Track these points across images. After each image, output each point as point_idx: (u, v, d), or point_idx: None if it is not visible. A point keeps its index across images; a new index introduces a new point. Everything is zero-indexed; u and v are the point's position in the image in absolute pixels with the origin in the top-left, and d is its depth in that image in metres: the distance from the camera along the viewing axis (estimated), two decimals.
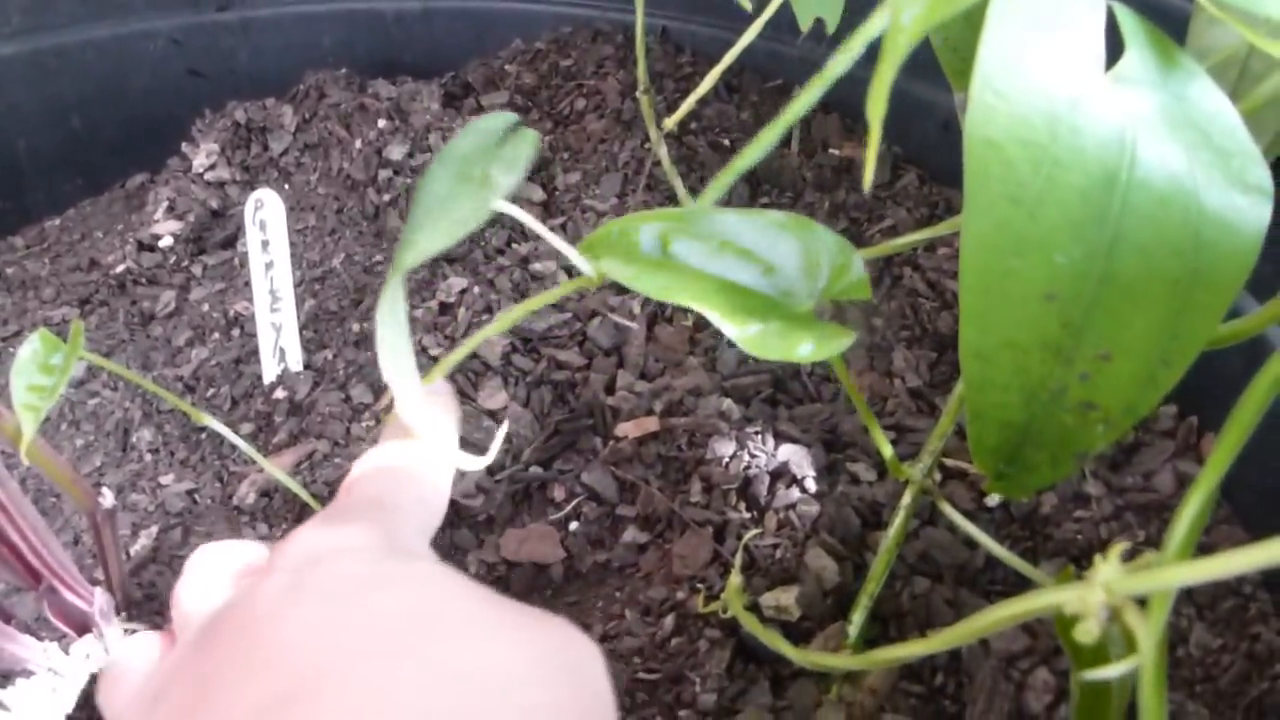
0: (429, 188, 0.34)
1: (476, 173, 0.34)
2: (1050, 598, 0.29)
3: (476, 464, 0.34)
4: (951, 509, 0.47)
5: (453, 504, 0.60)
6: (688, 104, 0.62)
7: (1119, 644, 0.42)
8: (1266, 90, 0.43)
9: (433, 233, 0.31)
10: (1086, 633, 0.27)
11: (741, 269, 0.44)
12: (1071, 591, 0.28)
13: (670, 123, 0.62)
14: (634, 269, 0.40)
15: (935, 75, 0.46)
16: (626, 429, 0.59)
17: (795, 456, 0.55)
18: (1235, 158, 0.34)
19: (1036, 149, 0.33)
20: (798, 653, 0.38)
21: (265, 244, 0.68)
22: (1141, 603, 0.28)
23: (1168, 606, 0.31)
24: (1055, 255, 0.34)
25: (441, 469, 0.32)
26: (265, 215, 0.68)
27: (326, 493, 0.60)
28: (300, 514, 0.60)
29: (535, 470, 0.60)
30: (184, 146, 0.94)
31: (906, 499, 0.49)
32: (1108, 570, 0.28)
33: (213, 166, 0.91)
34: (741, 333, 0.42)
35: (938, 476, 0.56)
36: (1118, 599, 0.27)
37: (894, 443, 0.58)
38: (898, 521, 0.49)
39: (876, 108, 0.32)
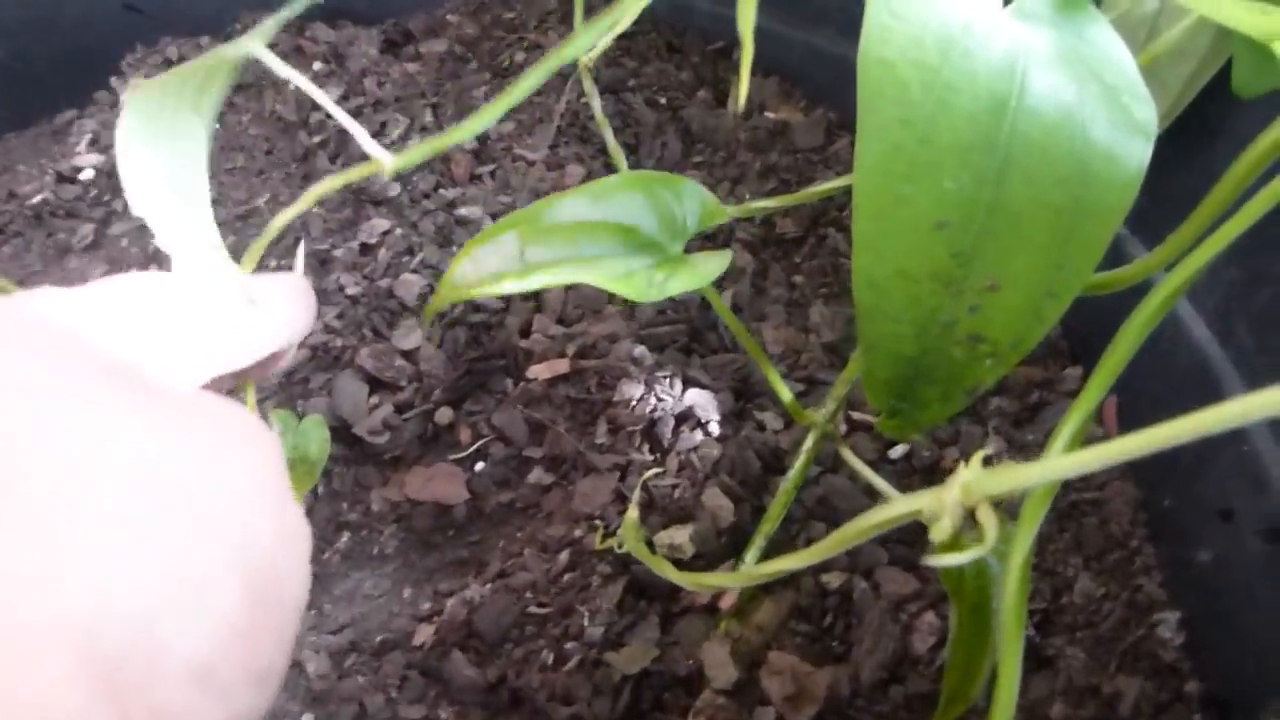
0: None
1: None
2: (912, 503, 0.29)
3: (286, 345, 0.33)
4: (851, 454, 0.48)
5: (358, 441, 0.59)
6: (609, 37, 0.61)
7: (1000, 584, 0.42)
8: (1166, 41, 0.44)
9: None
10: (941, 531, 0.27)
11: (601, 242, 0.44)
12: (930, 494, 0.29)
13: (588, 59, 0.62)
14: (504, 282, 0.41)
15: None
16: (538, 370, 0.58)
17: (701, 401, 0.54)
18: (1124, 95, 0.34)
19: (929, 71, 0.33)
20: (684, 576, 0.38)
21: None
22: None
23: (1040, 513, 0.31)
24: (945, 181, 0.34)
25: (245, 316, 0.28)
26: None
27: None
28: None
29: (444, 410, 0.59)
30: (112, 80, 0.92)
31: (808, 443, 0.49)
32: (968, 473, 0.28)
33: None
34: (609, 281, 0.42)
35: (843, 427, 0.56)
36: (974, 499, 0.28)
37: (804, 394, 0.58)
38: (798, 464, 0.49)
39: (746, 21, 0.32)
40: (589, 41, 0.40)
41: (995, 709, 0.30)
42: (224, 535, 0.19)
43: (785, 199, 0.54)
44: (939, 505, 0.29)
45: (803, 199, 0.54)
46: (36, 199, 0.80)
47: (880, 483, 0.46)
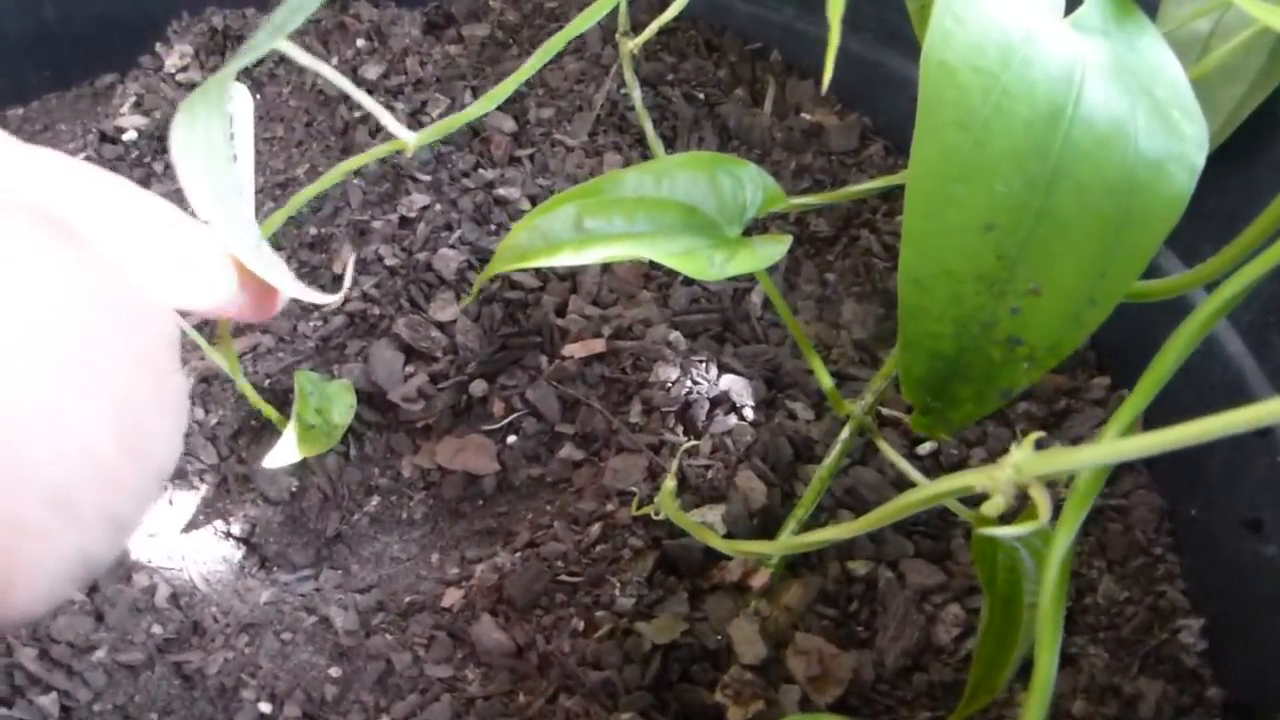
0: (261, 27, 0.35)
1: None
2: (964, 480, 0.30)
3: (317, 297, 0.34)
4: (887, 446, 0.48)
5: (392, 407, 0.60)
6: (655, 25, 0.62)
7: (1031, 578, 0.43)
8: (1217, 59, 0.45)
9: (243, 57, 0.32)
10: (995, 506, 0.28)
11: (661, 219, 0.45)
12: (983, 472, 0.29)
13: (634, 45, 0.63)
14: (560, 253, 0.41)
15: (908, 48, 0.47)
16: (573, 349, 0.59)
17: (736, 387, 0.55)
18: (1174, 109, 0.35)
19: (988, 76, 0.34)
20: (724, 543, 0.38)
21: (230, 137, 0.67)
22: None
23: (1085, 505, 0.32)
24: (997, 184, 0.35)
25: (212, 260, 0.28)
26: (233, 109, 0.67)
27: (266, 383, 0.60)
28: (237, 402, 0.59)
29: (479, 383, 0.60)
30: (157, 46, 0.93)
31: (845, 433, 0.50)
32: (1020, 453, 0.29)
33: (185, 68, 0.90)
34: (670, 257, 0.43)
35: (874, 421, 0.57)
36: (1026, 478, 0.28)
37: (834, 387, 0.59)
38: (835, 452, 0.49)
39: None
40: (606, 8, 0.41)
41: (1032, 697, 0.31)
42: (104, 385, 0.21)
43: (826, 196, 0.55)
44: (992, 482, 0.30)
45: (842, 197, 0.55)
46: (80, 157, 0.81)
47: (915, 474, 0.47)
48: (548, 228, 0.44)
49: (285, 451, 0.51)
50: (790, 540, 0.41)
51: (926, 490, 0.31)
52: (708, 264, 0.43)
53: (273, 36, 0.34)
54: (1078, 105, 0.34)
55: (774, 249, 0.42)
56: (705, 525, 0.49)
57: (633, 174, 0.45)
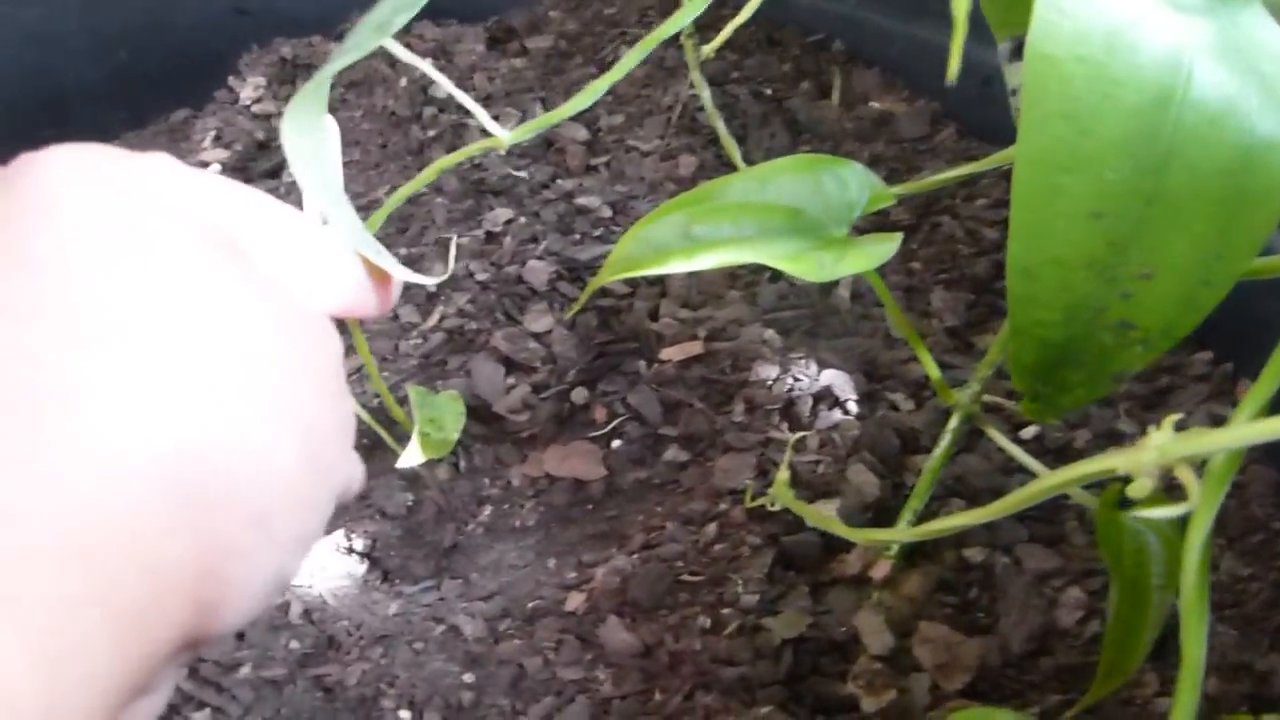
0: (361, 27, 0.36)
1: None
2: (1105, 462, 0.30)
3: (425, 280, 0.35)
4: (998, 434, 0.49)
5: (497, 419, 0.61)
6: (727, 30, 0.63)
7: (1159, 560, 0.43)
8: None
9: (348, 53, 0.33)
10: (1141, 488, 0.28)
11: (767, 223, 0.46)
12: (1125, 455, 0.30)
13: (709, 49, 0.63)
14: (670, 261, 0.42)
15: (978, 31, 0.47)
16: (670, 352, 0.60)
17: (837, 381, 0.56)
18: None
19: (1094, 65, 0.35)
20: (852, 531, 0.39)
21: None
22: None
23: (1223, 486, 0.32)
24: (1105, 172, 0.35)
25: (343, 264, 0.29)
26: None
27: (375, 403, 0.62)
28: None
29: (579, 390, 0.61)
30: (230, 80, 0.95)
31: (953, 422, 0.51)
32: (1161, 435, 0.29)
33: (259, 99, 0.92)
34: (780, 260, 0.44)
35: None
36: (1170, 460, 0.29)
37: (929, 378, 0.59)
38: (945, 442, 0.50)
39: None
40: (694, 12, 0.42)
41: (1182, 681, 0.31)
42: (294, 412, 0.22)
43: (915, 185, 0.55)
44: (1134, 465, 0.30)
45: (932, 185, 0.55)
46: None
47: (1029, 460, 0.47)
48: (656, 236, 0.45)
49: (413, 454, 0.53)
50: (918, 529, 0.41)
51: (1063, 475, 0.32)
52: (817, 266, 0.44)
53: (378, 34, 0.35)
54: (1187, 88, 0.34)
55: (883, 248, 0.43)
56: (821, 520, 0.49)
57: (738, 180, 0.46)
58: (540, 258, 0.69)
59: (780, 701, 0.43)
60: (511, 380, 0.62)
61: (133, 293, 0.20)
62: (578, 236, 0.71)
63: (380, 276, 0.31)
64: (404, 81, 0.89)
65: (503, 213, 0.73)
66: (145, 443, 0.19)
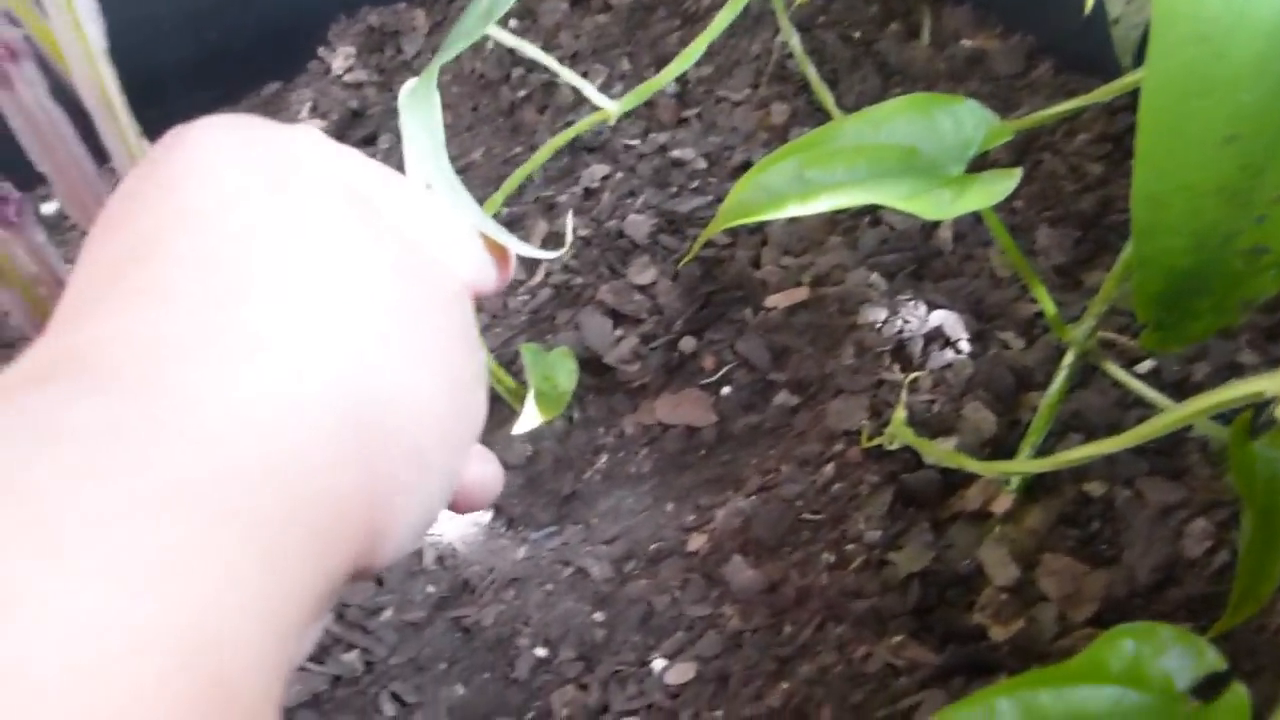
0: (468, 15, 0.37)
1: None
2: (1252, 386, 0.31)
3: (542, 254, 0.36)
4: (1115, 368, 0.49)
5: (608, 370, 0.63)
6: None
7: None
8: None
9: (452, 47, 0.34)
10: None
11: (882, 164, 0.46)
12: (1272, 378, 0.30)
13: None
14: (785, 206, 0.43)
15: None
16: (776, 299, 0.61)
17: (948, 321, 0.56)
18: None
19: None
20: (979, 463, 0.40)
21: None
22: None
23: None
24: (1240, 94, 0.35)
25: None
26: (404, 123, 0.71)
27: (491, 357, 0.64)
28: None
29: (687, 340, 0.63)
30: (320, 51, 0.98)
31: (1069, 358, 0.51)
32: None
33: (350, 69, 0.95)
34: (897, 200, 0.44)
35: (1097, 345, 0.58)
36: None
37: (1041, 315, 0.59)
38: (1061, 377, 0.50)
39: None
40: None
41: None
42: (441, 359, 0.24)
43: (1024, 120, 0.55)
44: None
45: (1040, 121, 0.55)
46: None
47: (1151, 393, 0.47)
48: (770, 182, 0.46)
49: (529, 418, 0.54)
50: (1043, 459, 0.42)
51: (1196, 404, 0.32)
52: (935, 204, 0.44)
53: (483, 21, 0.36)
54: None
55: (1002, 184, 0.43)
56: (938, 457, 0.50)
57: (851, 123, 0.46)
58: (639, 212, 0.70)
59: (911, 631, 0.44)
60: (620, 332, 0.64)
61: (295, 247, 0.22)
62: (675, 189, 0.71)
63: (499, 253, 0.33)
64: (490, 44, 0.90)
65: (599, 169, 0.74)
66: (320, 381, 0.20)
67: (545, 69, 0.86)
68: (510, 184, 0.56)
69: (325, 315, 0.21)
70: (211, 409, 0.18)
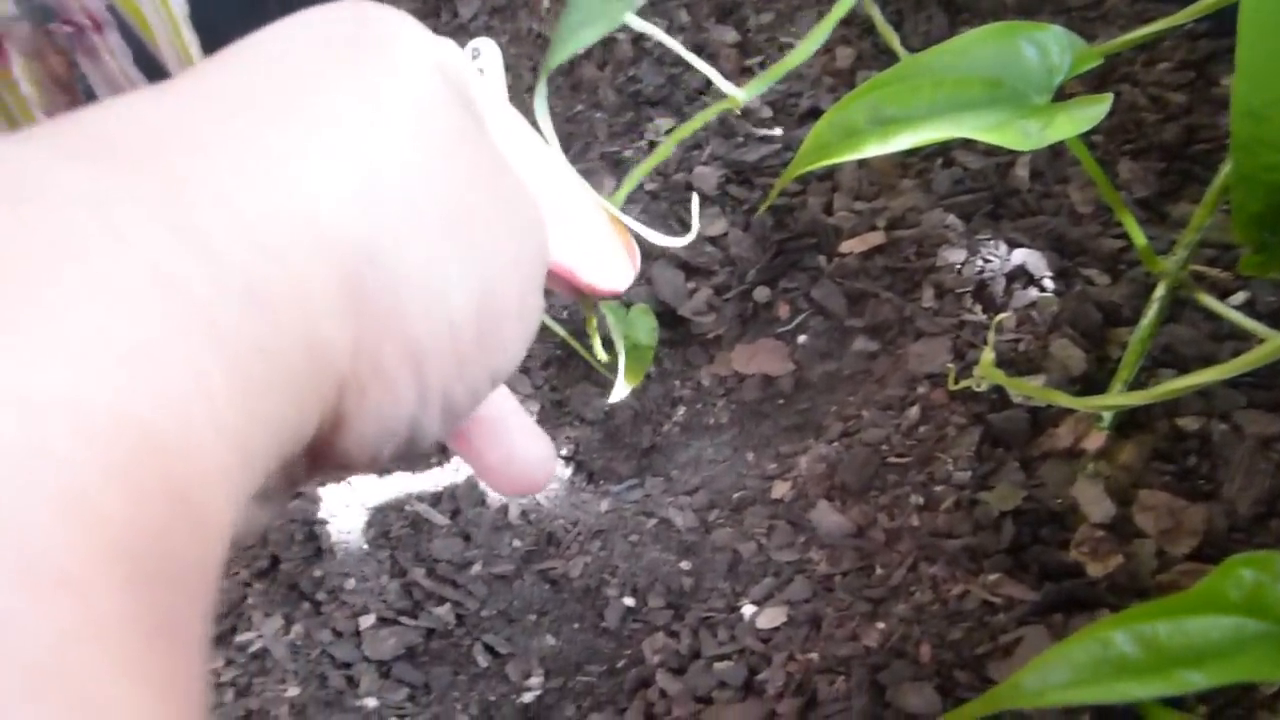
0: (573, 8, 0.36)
1: None
2: None
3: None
4: (1211, 299, 0.48)
5: (683, 323, 0.63)
6: None
7: None
8: None
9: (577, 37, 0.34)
10: None
11: (964, 96, 0.45)
12: None
13: None
14: (864, 146, 0.42)
15: None
16: (851, 244, 0.60)
17: (1030, 259, 0.55)
18: None
19: None
20: (1074, 399, 0.39)
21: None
22: None
23: None
24: None
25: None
26: (483, 64, 0.70)
27: (565, 315, 0.64)
28: (542, 335, 0.64)
29: (761, 289, 0.62)
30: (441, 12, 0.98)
31: (1160, 291, 0.50)
32: None
33: (475, 18, 0.95)
34: (982, 132, 0.43)
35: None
36: None
37: (1126, 250, 0.58)
38: (1153, 310, 0.49)
39: None
40: None
41: None
42: (482, 270, 0.22)
43: (1106, 46, 0.53)
44: None
45: (1123, 45, 0.53)
46: None
47: (1250, 323, 0.46)
48: (849, 123, 0.45)
49: (621, 387, 0.54)
50: (1140, 393, 0.41)
51: None
52: (1022, 134, 0.43)
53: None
54: None
55: (1093, 110, 0.42)
56: (1026, 397, 0.49)
57: (930, 56, 0.45)
58: (706, 163, 0.69)
59: (1007, 569, 0.43)
60: (692, 284, 0.63)
61: (362, 96, 0.20)
62: (741, 139, 0.71)
63: (625, 242, 0.31)
64: (546, 1, 0.90)
65: (663, 122, 0.73)
66: (331, 223, 0.19)
67: None
68: (631, 181, 0.54)
69: (362, 164, 0.20)
70: (206, 210, 0.17)
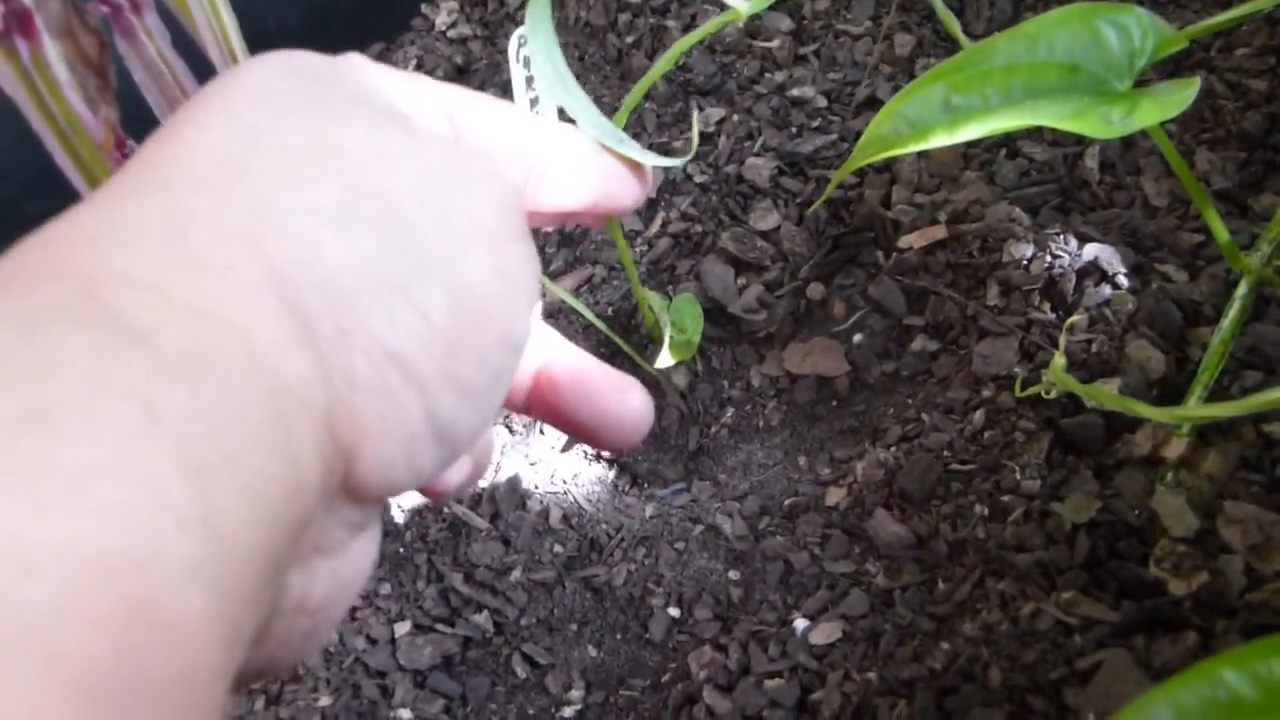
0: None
1: None
2: None
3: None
4: None
5: (732, 320, 0.60)
6: None
7: None
8: None
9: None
10: None
11: (1040, 83, 0.42)
12: None
13: None
14: (930, 137, 0.39)
15: None
16: (911, 239, 0.57)
17: (1104, 255, 0.52)
18: None
19: None
20: (1155, 410, 0.36)
21: (529, 80, 0.69)
22: None
23: None
24: None
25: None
26: (529, 52, 0.69)
27: (609, 311, 0.62)
28: (584, 331, 0.62)
29: (815, 286, 0.59)
30: (424, 8, 0.96)
31: (1243, 288, 0.46)
32: None
33: (454, 24, 0.93)
34: (1059, 120, 0.40)
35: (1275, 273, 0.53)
36: None
37: (1204, 245, 0.54)
38: (1234, 310, 0.46)
39: None
40: None
41: None
42: (437, 255, 0.21)
43: (1191, 29, 0.50)
44: None
45: (1208, 29, 0.50)
46: None
47: None
48: (913, 113, 0.42)
49: (665, 356, 0.52)
50: (1228, 404, 0.38)
51: None
52: (1104, 122, 0.40)
53: None
54: None
55: (1181, 94, 0.39)
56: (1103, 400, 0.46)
57: (1003, 41, 0.42)
58: (758, 155, 0.67)
59: (1082, 586, 0.41)
60: (743, 280, 0.61)
61: (291, 134, 0.21)
62: (795, 130, 0.68)
63: (633, 168, 0.30)
64: None
65: (714, 112, 0.71)
66: (257, 261, 0.18)
67: (653, 11, 0.83)
68: (632, 99, 0.52)
69: (291, 201, 0.20)
70: (128, 295, 0.16)
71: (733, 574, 0.50)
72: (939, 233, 0.57)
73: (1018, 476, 0.45)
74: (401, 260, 0.20)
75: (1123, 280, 0.51)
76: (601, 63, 0.84)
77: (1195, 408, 0.43)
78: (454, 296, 0.21)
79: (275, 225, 0.19)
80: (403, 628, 0.50)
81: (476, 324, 0.21)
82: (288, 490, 0.17)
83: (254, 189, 0.19)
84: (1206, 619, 0.40)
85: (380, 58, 1.02)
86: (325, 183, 0.20)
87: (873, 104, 0.68)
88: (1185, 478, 0.44)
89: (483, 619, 0.51)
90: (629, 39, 0.82)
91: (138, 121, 0.38)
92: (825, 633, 0.45)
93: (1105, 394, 0.41)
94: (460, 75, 0.89)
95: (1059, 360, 0.45)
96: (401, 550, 0.54)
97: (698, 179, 0.67)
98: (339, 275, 0.19)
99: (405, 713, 0.48)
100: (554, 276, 0.66)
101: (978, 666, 0.38)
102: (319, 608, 0.21)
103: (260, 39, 1.09)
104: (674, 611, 0.50)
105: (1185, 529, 0.42)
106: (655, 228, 0.66)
